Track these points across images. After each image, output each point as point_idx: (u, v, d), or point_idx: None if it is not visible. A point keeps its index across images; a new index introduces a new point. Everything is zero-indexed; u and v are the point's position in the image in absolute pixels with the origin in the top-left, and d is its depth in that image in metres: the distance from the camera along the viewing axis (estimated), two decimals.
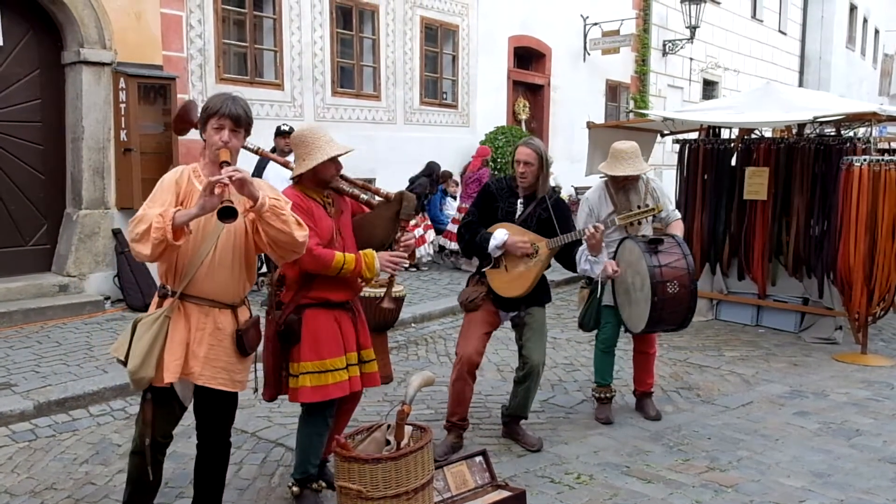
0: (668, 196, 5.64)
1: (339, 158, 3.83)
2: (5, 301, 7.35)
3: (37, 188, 7.99)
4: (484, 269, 4.80)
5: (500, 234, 4.67)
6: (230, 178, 3.05)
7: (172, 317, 3.28)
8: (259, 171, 7.94)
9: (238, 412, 5.31)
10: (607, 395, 5.54)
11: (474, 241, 4.76)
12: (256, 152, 4.54)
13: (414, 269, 10.76)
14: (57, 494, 4.19)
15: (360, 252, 3.88)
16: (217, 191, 3.04)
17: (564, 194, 12.95)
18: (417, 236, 10.57)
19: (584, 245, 4.78)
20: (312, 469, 4.02)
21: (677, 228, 5.39)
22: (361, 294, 4.21)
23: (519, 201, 4.81)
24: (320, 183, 3.86)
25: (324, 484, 4.11)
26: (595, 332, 5.48)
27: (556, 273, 10.60)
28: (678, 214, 5.60)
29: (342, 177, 3.98)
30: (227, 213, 3.01)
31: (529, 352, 4.80)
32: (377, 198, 4.09)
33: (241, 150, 3.44)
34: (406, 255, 3.97)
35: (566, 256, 4.86)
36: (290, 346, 3.82)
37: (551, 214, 4.73)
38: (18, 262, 7.85)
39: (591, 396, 5.77)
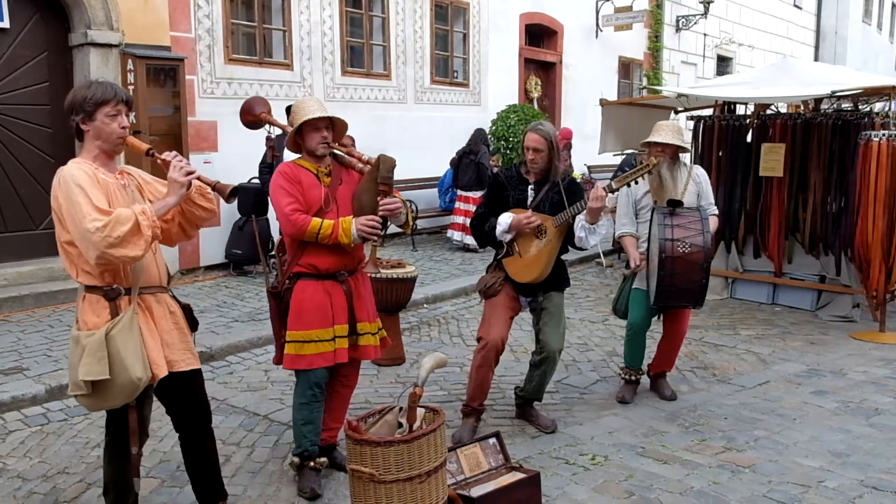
0: (711, 189, 5.49)
1: (353, 135, 3.84)
2: (17, 285, 7.35)
3: (46, 172, 7.91)
4: (500, 258, 4.74)
5: (504, 218, 4.60)
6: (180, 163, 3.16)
7: (138, 313, 3.17)
8: (280, 148, 7.81)
9: (250, 395, 5.39)
10: (634, 376, 5.48)
11: (485, 231, 4.72)
12: (267, 121, 4.81)
13: (408, 236, 10.60)
14: (69, 478, 4.18)
15: (339, 218, 3.88)
16: (191, 178, 3.14)
17: (577, 173, 12.85)
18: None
19: (583, 214, 4.57)
20: (310, 445, 4.02)
21: (710, 224, 5.26)
22: (370, 272, 4.17)
23: (530, 187, 4.74)
24: (311, 153, 3.96)
25: (324, 461, 4.10)
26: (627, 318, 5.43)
27: (570, 253, 10.53)
28: (715, 210, 5.43)
29: (333, 147, 4.02)
30: (236, 192, 3.21)
31: (547, 337, 4.74)
32: (366, 165, 4.08)
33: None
34: (380, 220, 3.89)
35: (568, 235, 4.71)
36: (285, 311, 3.95)
37: (563, 197, 4.64)
38: (29, 246, 7.83)
39: (616, 374, 5.76)
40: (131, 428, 3.22)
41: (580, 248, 4.82)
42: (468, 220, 10.43)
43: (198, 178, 3.23)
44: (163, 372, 3.17)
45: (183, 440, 3.53)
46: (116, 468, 3.32)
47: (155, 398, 3.43)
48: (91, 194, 2.99)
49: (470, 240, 10.63)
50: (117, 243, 2.93)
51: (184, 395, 3.41)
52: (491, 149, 12.22)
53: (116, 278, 3.15)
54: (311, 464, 4.03)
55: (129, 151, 3.32)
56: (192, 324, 3.46)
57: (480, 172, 10.52)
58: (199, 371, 3.43)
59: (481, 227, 4.77)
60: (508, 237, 4.64)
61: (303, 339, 3.88)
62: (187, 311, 3.45)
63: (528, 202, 4.71)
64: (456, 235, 10.86)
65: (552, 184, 4.69)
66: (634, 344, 5.41)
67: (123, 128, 3.16)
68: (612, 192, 4.61)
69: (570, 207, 4.55)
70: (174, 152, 3.21)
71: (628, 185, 4.78)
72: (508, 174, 4.84)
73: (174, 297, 3.42)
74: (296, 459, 4.05)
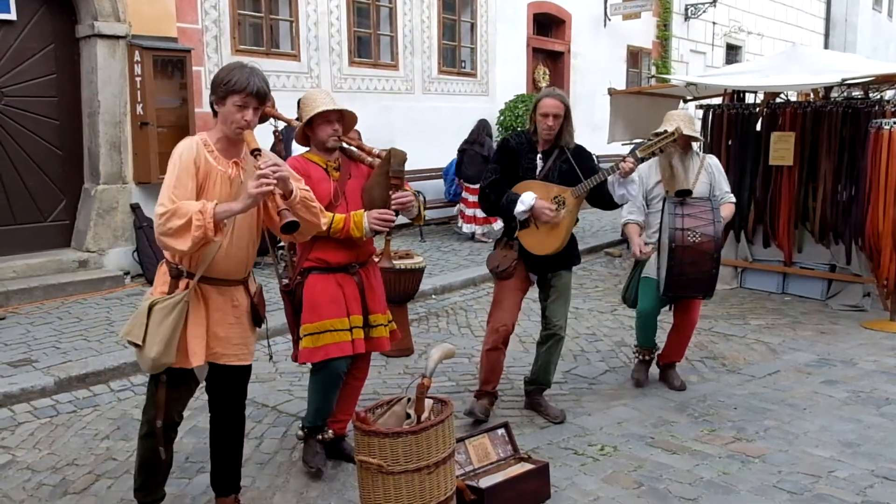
0: (725, 178, 5.47)
1: (358, 128, 3.78)
2: (25, 277, 7.37)
3: (54, 164, 7.97)
4: (515, 233, 4.67)
5: (527, 198, 4.49)
6: (274, 175, 3.02)
7: (191, 299, 3.22)
8: (287, 142, 7.77)
9: (259, 386, 5.38)
10: (647, 356, 5.51)
11: (500, 203, 4.60)
12: (271, 115, 4.74)
13: (417, 227, 10.63)
14: (78, 470, 4.19)
15: (350, 212, 3.86)
16: (260, 192, 3.01)
17: None
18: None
19: (613, 176, 4.51)
20: (321, 421, 4.09)
21: (725, 211, 5.24)
22: (385, 266, 4.18)
23: (538, 156, 4.67)
24: (320, 145, 3.94)
25: (331, 434, 4.14)
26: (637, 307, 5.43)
27: (579, 243, 10.49)
28: (732, 198, 5.41)
29: (343, 140, 3.99)
30: (292, 227, 3.05)
31: (552, 313, 4.75)
32: (376, 159, 4.06)
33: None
34: (393, 213, 3.88)
35: (599, 198, 4.63)
36: (299, 308, 3.92)
37: (573, 164, 4.58)
38: (38, 238, 7.84)
39: (626, 363, 5.80)
40: (157, 401, 3.30)
41: (618, 206, 4.73)
42: (477, 212, 10.46)
43: (272, 195, 3.05)
44: (197, 361, 3.22)
45: (212, 421, 3.60)
46: (144, 439, 3.40)
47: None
48: (179, 176, 3.07)
49: (479, 229, 10.60)
50: (170, 234, 2.99)
51: (223, 385, 3.49)
52: (498, 139, 12.18)
53: (183, 261, 3.22)
54: (320, 436, 4.09)
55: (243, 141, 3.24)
56: (257, 320, 3.47)
57: None
58: (245, 368, 3.48)
59: (496, 198, 4.62)
60: (526, 216, 4.56)
61: (318, 329, 3.85)
62: (255, 307, 3.45)
63: (537, 172, 4.64)
64: (466, 227, 10.82)
65: (560, 151, 4.64)
66: (645, 328, 5.42)
67: (246, 120, 3.16)
68: (639, 160, 4.49)
69: (590, 178, 4.48)
70: (270, 162, 3.07)
71: (653, 154, 4.74)
72: (518, 140, 4.74)
73: (247, 291, 3.42)
74: (301, 434, 4.12)
